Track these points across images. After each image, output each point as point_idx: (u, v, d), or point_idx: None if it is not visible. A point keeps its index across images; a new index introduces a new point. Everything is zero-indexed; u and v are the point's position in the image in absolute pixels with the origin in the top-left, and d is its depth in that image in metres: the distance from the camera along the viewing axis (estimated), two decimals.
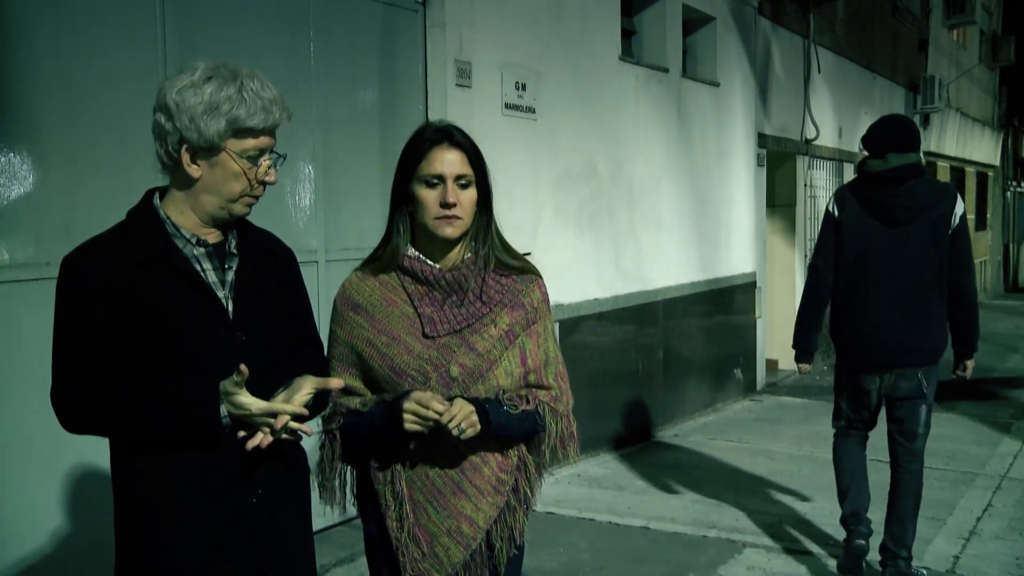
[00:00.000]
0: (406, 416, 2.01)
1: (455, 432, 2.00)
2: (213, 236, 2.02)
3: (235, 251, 2.04)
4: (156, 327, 1.91)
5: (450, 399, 2.04)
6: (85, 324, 1.91)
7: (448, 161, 2.11)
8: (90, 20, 3.53)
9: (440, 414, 1.98)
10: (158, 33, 3.74)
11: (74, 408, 1.93)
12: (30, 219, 3.39)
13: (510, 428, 2.13)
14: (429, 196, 2.12)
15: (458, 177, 2.12)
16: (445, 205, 2.10)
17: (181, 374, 1.91)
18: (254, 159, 1.97)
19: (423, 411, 2.00)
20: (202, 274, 1.98)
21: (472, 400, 2.06)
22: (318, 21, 4.49)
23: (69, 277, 1.93)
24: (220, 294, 1.99)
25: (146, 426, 1.90)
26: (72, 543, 3.52)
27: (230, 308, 1.99)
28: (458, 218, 2.12)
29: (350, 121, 4.71)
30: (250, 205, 2.02)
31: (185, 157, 1.93)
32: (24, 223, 3.37)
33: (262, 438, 1.89)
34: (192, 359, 1.92)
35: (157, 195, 2.03)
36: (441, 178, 2.11)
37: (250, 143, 1.96)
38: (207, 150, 1.93)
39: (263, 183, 2.01)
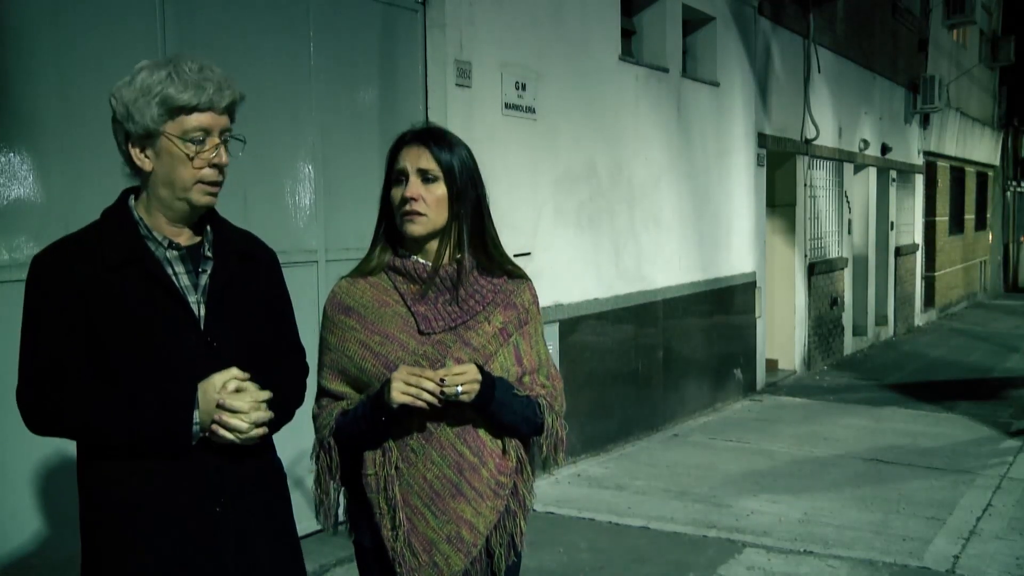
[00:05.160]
0: (395, 385, 1.95)
1: (452, 391, 1.94)
2: (186, 238, 1.98)
3: (210, 254, 2.00)
4: (124, 330, 1.87)
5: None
6: (53, 325, 1.88)
7: (411, 156, 2.10)
8: (90, 21, 3.53)
9: (432, 380, 1.94)
10: (158, 34, 3.74)
11: (39, 409, 1.90)
12: (30, 219, 3.39)
13: (511, 409, 2.08)
14: (396, 194, 2.11)
15: (420, 171, 2.09)
16: (403, 200, 2.08)
17: (150, 378, 1.88)
18: (198, 141, 1.90)
19: (414, 379, 1.94)
20: (174, 278, 1.94)
21: (480, 368, 2.02)
22: (318, 21, 4.49)
23: (39, 276, 1.92)
24: (192, 298, 1.94)
25: (113, 431, 1.87)
26: (72, 542, 3.52)
27: (202, 312, 1.95)
28: (420, 214, 2.08)
29: (350, 121, 4.71)
30: (210, 193, 1.94)
31: (134, 151, 1.92)
32: (24, 223, 3.37)
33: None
34: (161, 363, 1.89)
35: (132, 196, 2.00)
36: (404, 173, 2.10)
37: (190, 123, 1.89)
38: (146, 138, 1.90)
39: (216, 167, 1.92)
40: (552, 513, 5.14)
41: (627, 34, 7.04)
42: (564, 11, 6.02)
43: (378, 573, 2.15)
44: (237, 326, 1.99)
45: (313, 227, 4.50)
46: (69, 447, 3.42)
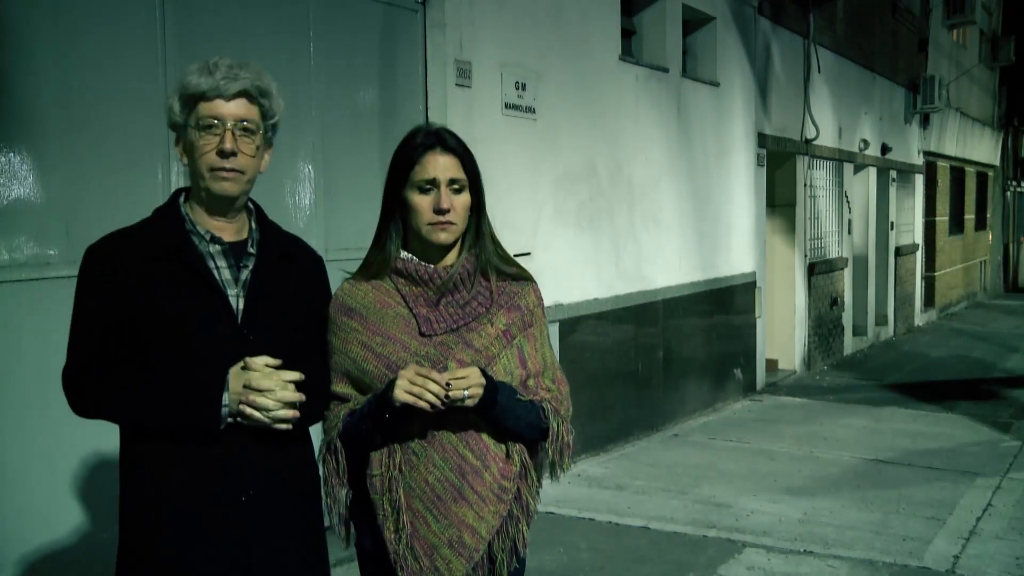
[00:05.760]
0: (399, 383, 1.95)
1: (458, 395, 1.94)
2: (230, 233, 2.05)
3: (253, 251, 2.06)
4: (162, 320, 1.94)
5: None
6: (98, 312, 1.97)
7: (442, 166, 2.09)
8: (91, 21, 3.53)
9: (439, 383, 1.93)
10: (158, 34, 3.74)
11: (79, 394, 1.99)
12: (30, 219, 3.39)
13: (514, 414, 2.08)
14: (423, 202, 2.09)
15: (451, 182, 2.10)
16: (439, 211, 2.08)
17: (184, 367, 1.94)
18: (209, 128, 1.96)
19: (419, 379, 1.94)
20: (215, 272, 2.00)
21: (483, 371, 2.02)
22: (318, 21, 4.49)
23: (88, 266, 2.01)
24: (231, 292, 2.01)
25: (145, 414, 1.95)
26: (72, 542, 3.53)
27: (240, 306, 2.01)
28: (452, 223, 2.10)
29: (350, 121, 4.71)
30: (223, 179, 1.98)
31: (177, 148, 2.03)
32: (24, 223, 3.37)
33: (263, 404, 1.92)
34: (194, 353, 1.94)
35: (184, 195, 2.08)
36: (434, 183, 2.09)
37: (201, 111, 1.96)
38: (178, 131, 2.00)
39: (223, 152, 1.96)
40: (552, 513, 5.14)
41: (627, 34, 7.04)
42: (564, 11, 6.02)
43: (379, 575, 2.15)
44: (273, 321, 2.04)
45: (313, 227, 4.50)
46: (86, 444, 3.43)
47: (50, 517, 3.48)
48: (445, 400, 1.95)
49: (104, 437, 3.52)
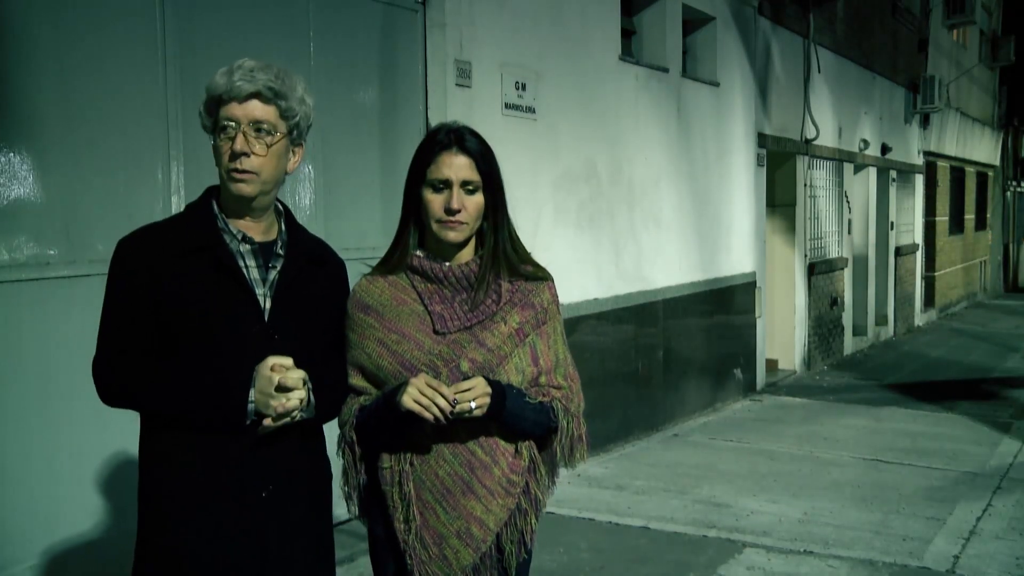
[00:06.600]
0: (409, 391, 1.97)
1: (464, 408, 1.97)
2: (257, 233, 2.07)
3: (281, 252, 2.09)
4: (190, 314, 1.97)
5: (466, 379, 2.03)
6: (127, 304, 1.99)
7: (455, 166, 2.12)
8: (91, 21, 3.53)
9: (447, 398, 1.96)
10: (158, 34, 3.74)
11: (108, 381, 2.02)
12: (30, 219, 3.39)
13: (523, 417, 2.12)
14: (435, 200, 2.12)
15: (464, 183, 2.12)
16: (449, 211, 2.11)
17: (211, 362, 1.96)
18: (225, 130, 1.99)
19: (429, 391, 1.96)
20: (244, 270, 2.03)
21: (488, 380, 2.04)
22: (318, 21, 4.49)
23: (119, 257, 2.03)
24: (259, 291, 2.03)
25: (173, 406, 1.97)
26: (72, 542, 3.53)
27: (267, 305, 2.03)
28: (462, 223, 2.12)
29: (350, 121, 4.71)
30: (239, 180, 2.00)
31: (213, 150, 2.05)
32: (24, 223, 3.37)
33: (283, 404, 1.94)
34: (221, 349, 1.97)
35: (217, 192, 2.10)
36: (447, 183, 2.12)
37: (221, 114, 1.99)
38: (208, 133, 2.04)
39: (234, 153, 1.98)
40: (552, 513, 5.13)
41: (627, 34, 7.04)
42: (564, 11, 6.02)
43: (390, 562, 2.19)
44: (299, 322, 2.07)
45: (313, 227, 4.46)
46: (85, 445, 3.43)
47: (51, 517, 3.48)
48: (450, 415, 1.98)
49: (105, 437, 3.53)
